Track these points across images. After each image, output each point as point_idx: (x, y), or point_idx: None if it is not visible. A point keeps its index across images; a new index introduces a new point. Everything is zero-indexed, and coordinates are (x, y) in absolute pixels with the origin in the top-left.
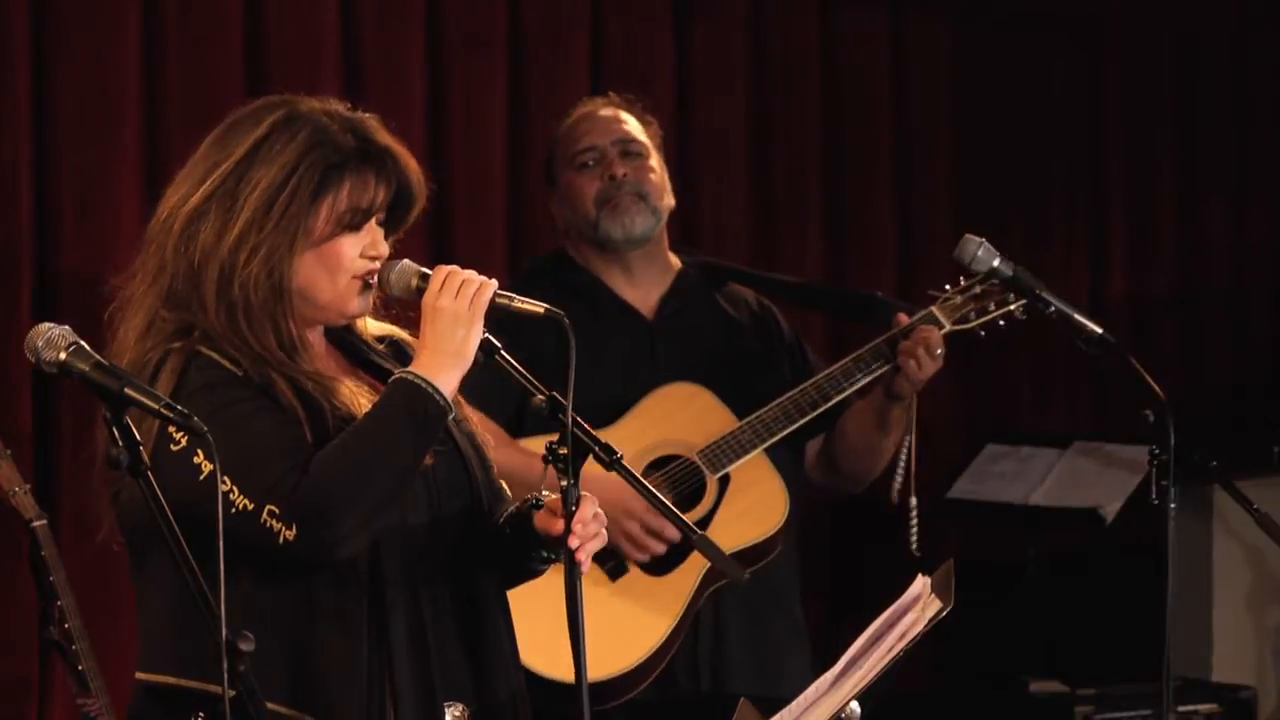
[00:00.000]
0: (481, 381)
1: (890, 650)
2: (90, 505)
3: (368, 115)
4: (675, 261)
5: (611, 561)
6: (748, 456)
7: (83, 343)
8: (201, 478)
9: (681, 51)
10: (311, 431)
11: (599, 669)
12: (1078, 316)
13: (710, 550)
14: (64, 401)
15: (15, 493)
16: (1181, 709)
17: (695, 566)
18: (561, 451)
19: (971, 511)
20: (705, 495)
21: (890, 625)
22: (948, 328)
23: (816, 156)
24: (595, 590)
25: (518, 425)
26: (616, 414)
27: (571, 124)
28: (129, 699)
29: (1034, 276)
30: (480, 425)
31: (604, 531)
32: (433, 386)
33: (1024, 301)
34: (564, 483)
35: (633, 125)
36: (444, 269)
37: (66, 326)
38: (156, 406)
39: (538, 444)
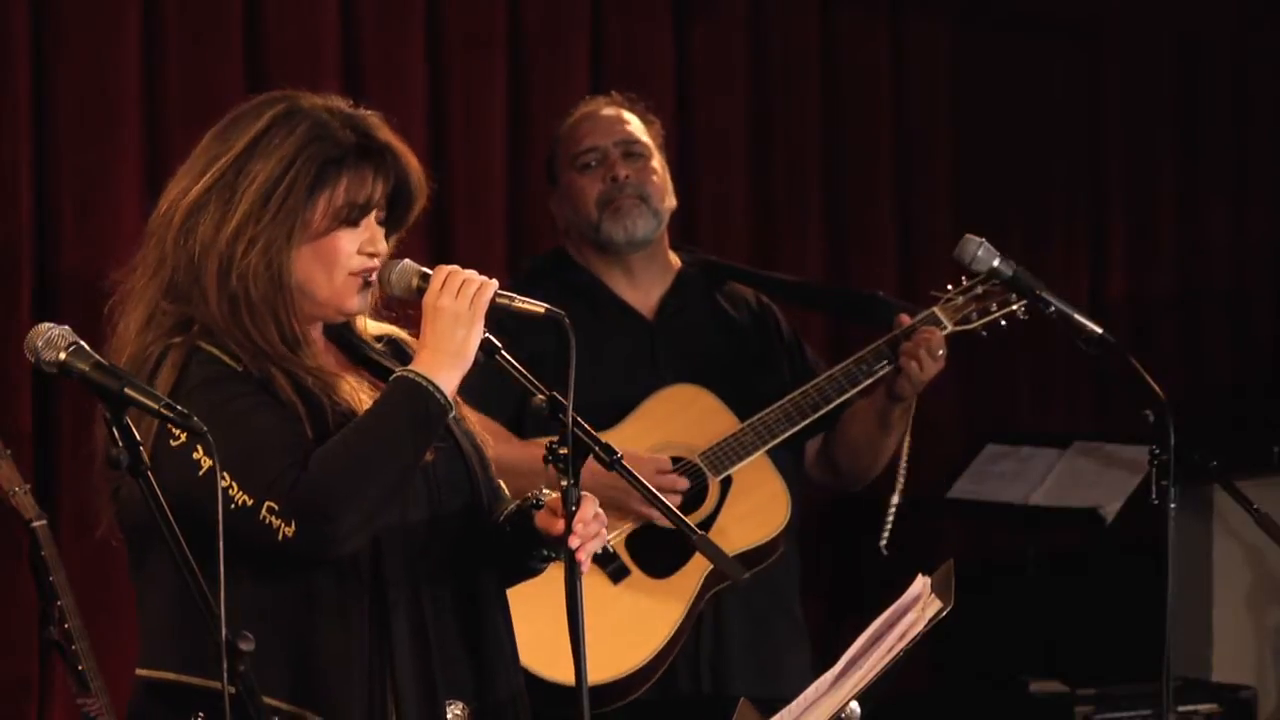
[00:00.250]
0: (481, 382)
1: (890, 650)
2: (90, 505)
3: (369, 112)
4: (675, 261)
5: (614, 564)
6: (750, 458)
7: (82, 343)
8: (200, 474)
9: (681, 51)
10: (311, 428)
11: (601, 671)
12: (1078, 316)
13: (710, 550)
14: (64, 401)
15: (15, 493)
16: (1181, 709)
17: (697, 569)
18: (562, 451)
19: (971, 511)
20: (707, 497)
21: (890, 625)
22: (949, 328)
23: (816, 156)
24: (597, 593)
25: (518, 426)
26: (617, 415)
27: (573, 123)
28: (129, 696)
29: (1034, 276)
30: (480, 425)
31: (604, 531)
32: (433, 385)
33: (1026, 302)
34: (564, 482)
35: (635, 126)
36: (444, 269)
37: (66, 326)
38: (156, 406)
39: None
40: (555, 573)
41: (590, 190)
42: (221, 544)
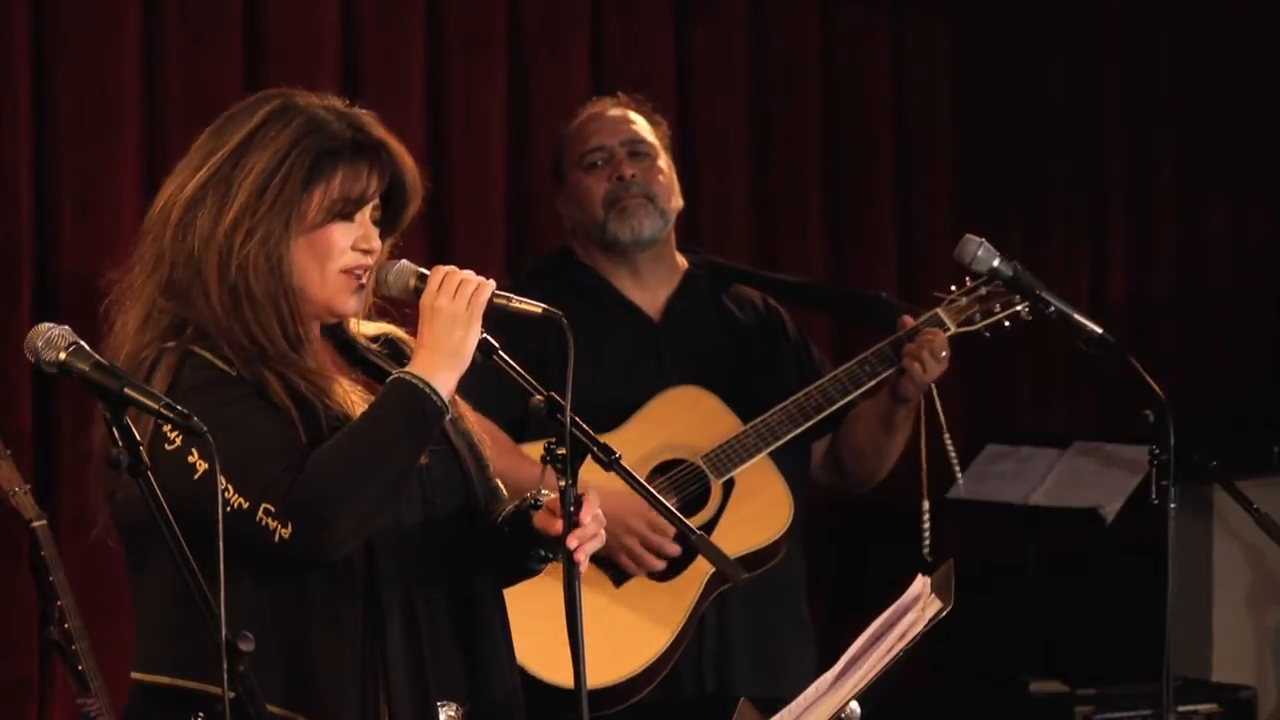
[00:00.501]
0: (481, 384)
1: (890, 650)
2: (90, 505)
3: (364, 110)
4: (682, 262)
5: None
6: (752, 461)
7: (82, 343)
8: (196, 477)
9: (681, 51)
10: (305, 432)
11: (604, 674)
12: (1078, 316)
13: (710, 551)
14: (64, 401)
15: (15, 493)
16: (1181, 709)
17: (700, 572)
18: (560, 452)
19: (971, 511)
20: (710, 500)
21: (890, 625)
22: (953, 330)
23: (816, 156)
24: (600, 595)
25: (520, 428)
26: (621, 415)
27: (580, 123)
28: (126, 699)
29: (1034, 276)
30: (479, 428)
31: (603, 532)
32: (430, 387)
33: (1029, 303)
34: (562, 483)
35: (642, 126)
36: (442, 269)
37: (66, 326)
38: (156, 406)
39: (540, 449)
40: (556, 575)
41: (596, 190)
42: (221, 545)
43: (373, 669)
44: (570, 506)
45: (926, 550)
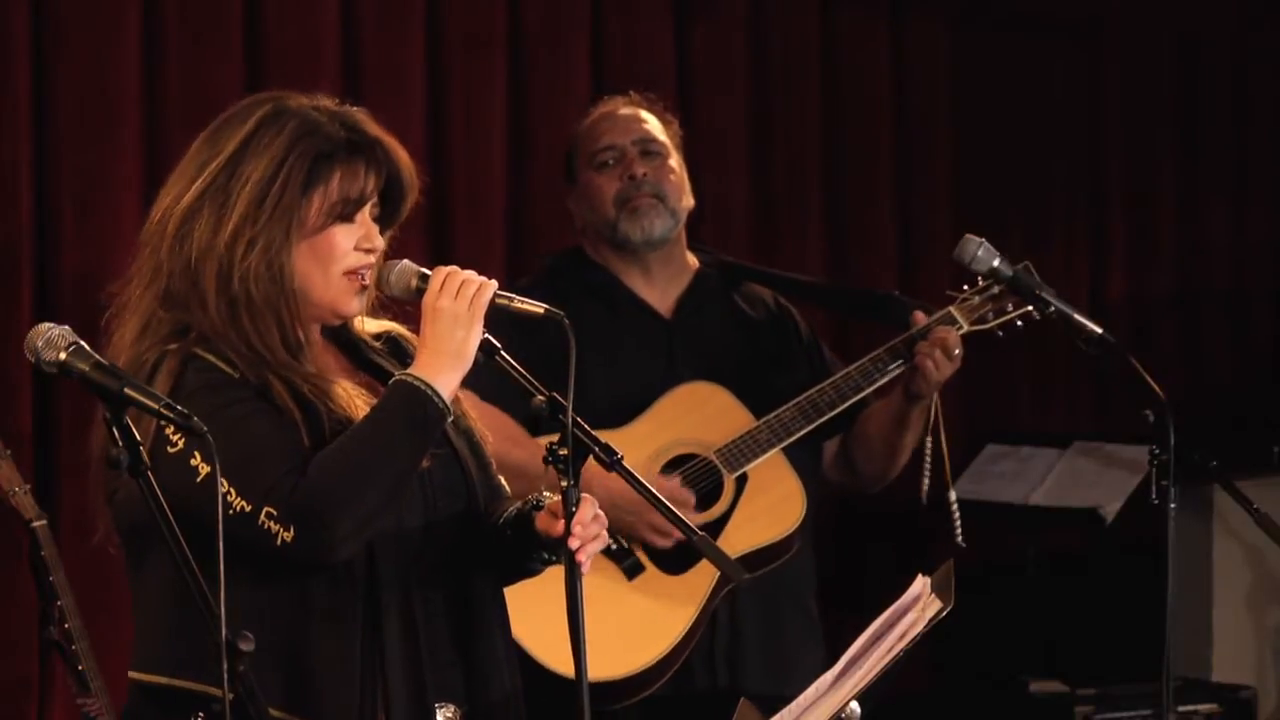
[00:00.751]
0: (498, 379)
1: (890, 650)
2: (90, 505)
3: (356, 108)
4: (693, 261)
5: (628, 560)
6: (765, 456)
7: (82, 343)
8: (199, 479)
9: (681, 51)
10: (308, 435)
11: (616, 668)
12: (1078, 316)
13: (711, 551)
14: (64, 401)
15: (15, 493)
16: (1181, 709)
17: (711, 566)
18: (562, 452)
19: (971, 511)
20: (722, 495)
21: (890, 625)
22: (965, 328)
23: (816, 156)
24: (612, 589)
25: (535, 423)
26: (633, 413)
27: (592, 122)
28: (126, 699)
29: (1035, 276)
30: (492, 422)
31: (604, 533)
32: (432, 389)
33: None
34: (564, 483)
35: (653, 125)
36: (443, 269)
37: (66, 326)
38: (157, 407)
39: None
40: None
41: (607, 189)
42: (221, 546)
43: (371, 671)
44: (572, 507)
45: (959, 538)
